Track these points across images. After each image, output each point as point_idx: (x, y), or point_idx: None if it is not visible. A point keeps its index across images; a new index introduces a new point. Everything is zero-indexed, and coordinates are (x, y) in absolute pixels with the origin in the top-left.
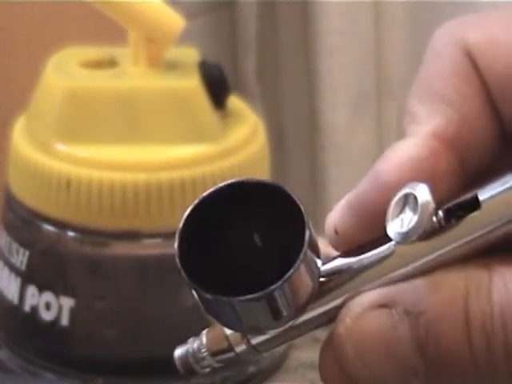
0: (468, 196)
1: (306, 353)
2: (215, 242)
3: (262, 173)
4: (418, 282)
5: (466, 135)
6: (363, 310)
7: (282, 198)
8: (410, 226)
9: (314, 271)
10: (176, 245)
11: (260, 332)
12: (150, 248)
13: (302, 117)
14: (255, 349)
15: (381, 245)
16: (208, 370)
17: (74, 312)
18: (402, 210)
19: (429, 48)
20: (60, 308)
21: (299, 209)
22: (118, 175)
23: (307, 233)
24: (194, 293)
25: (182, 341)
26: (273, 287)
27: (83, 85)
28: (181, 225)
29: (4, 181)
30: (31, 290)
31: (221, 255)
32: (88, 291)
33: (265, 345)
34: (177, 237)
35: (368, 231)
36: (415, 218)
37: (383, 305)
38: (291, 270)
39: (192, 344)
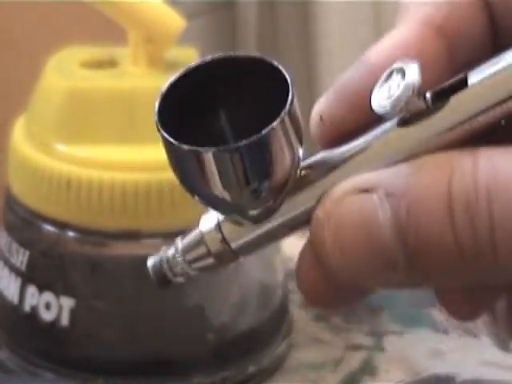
0: (457, 77)
1: (307, 353)
2: (199, 117)
3: None
4: (402, 166)
5: (454, 22)
6: (344, 193)
7: (272, 72)
8: (395, 96)
9: (293, 145)
10: (157, 105)
11: (238, 211)
12: (150, 248)
13: (301, 117)
14: (233, 251)
15: (365, 134)
16: (182, 278)
17: (74, 312)
18: (389, 84)
19: None
20: (60, 308)
21: (286, 81)
22: (118, 175)
23: (290, 95)
24: (167, 147)
25: (183, 341)
26: (245, 142)
27: (83, 85)
28: (164, 90)
29: (4, 181)
30: (31, 290)
31: (204, 131)
32: (88, 291)
33: (243, 247)
34: (158, 99)
35: (354, 116)
36: (400, 90)
37: (365, 189)
38: (267, 129)
39: (166, 251)
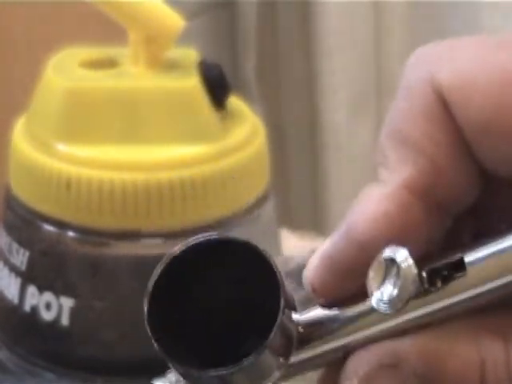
0: (452, 258)
1: None
2: (186, 300)
3: (262, 173)
4: (425, 343)
5: (439, 184)
6: (370, 369)
7: (255, 254)
8: (394, 295)
9: (290, 332)
10: (146, 310)
11: None
12: (149, 248)
13: (302, 117)
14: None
15: (363, 299)
16: None
17: (74, 312)
18: (383, 278)
19: (403, 78)
20: (60, 308)
21: (272, 268)
22: (118, 175)
23: (282, 301)
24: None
25: None
26: (244, 364)
27: (83, 85)
28: (150, 287)
29: (4, 180)
30: (31, 289)
31: (193, 312)
32: (88, 291)
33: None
34: (146, 302)
35: (347, 287)
36: (398, 287)
37: (392, 364)
38: (265, 343)
39: (170, 377)
